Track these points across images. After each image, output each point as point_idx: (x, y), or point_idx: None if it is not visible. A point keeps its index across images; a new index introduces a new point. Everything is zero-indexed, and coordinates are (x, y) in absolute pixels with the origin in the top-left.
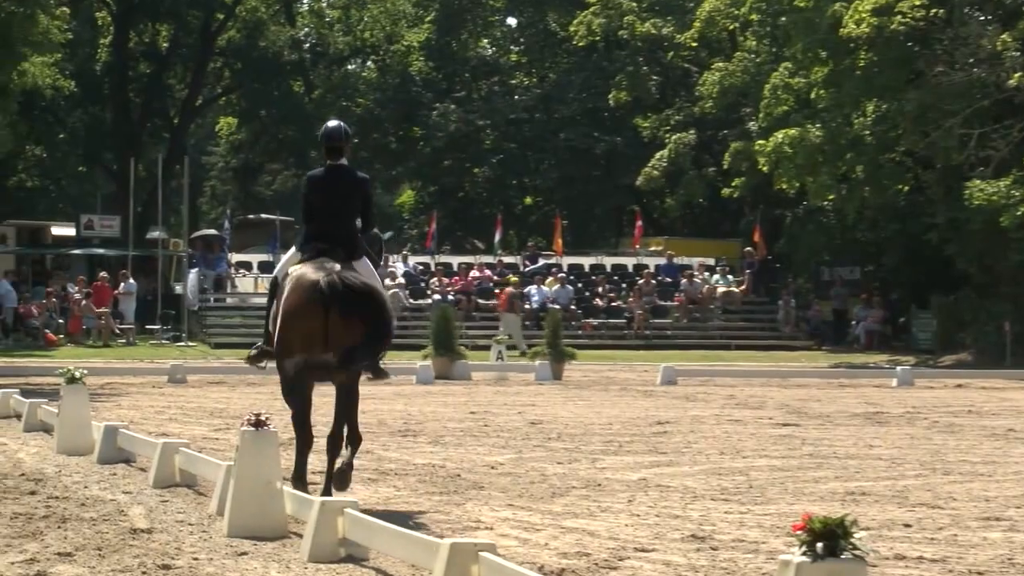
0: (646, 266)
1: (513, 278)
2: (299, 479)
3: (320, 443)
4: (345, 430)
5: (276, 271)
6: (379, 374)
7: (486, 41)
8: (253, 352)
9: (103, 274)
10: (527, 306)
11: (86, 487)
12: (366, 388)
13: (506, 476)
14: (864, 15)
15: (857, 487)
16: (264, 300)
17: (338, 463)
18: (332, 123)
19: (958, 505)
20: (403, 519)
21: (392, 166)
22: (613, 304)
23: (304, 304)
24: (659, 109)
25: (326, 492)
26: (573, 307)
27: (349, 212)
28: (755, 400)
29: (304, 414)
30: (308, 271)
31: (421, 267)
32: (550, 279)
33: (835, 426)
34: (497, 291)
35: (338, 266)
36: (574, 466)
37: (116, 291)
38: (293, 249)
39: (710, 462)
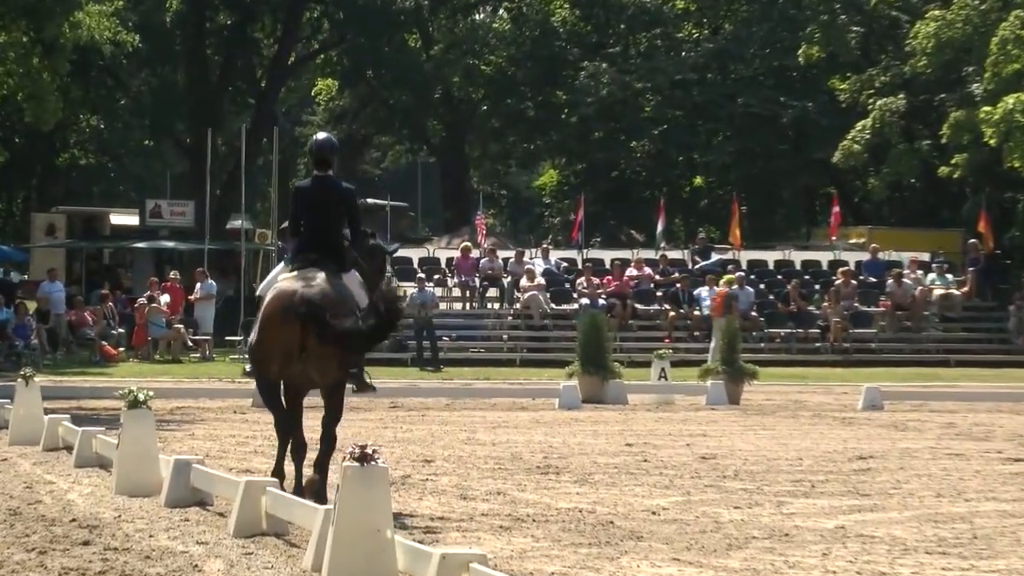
0: (844, 263)
1: (729, 276)
2: (276, 473)
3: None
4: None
5: (261, 287)
6: (363, 387)
7: None
8: (248, 367)
9: (174, 273)
10: (696, 312)
11: (152, 536)
12: (498, 415)
13: (670, 523)
14: None
15: None
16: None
17: (308, 472)
18: (322, 136)
19: None
20: None
21: (530, 139)
22: (804, 310)
23: (278, 315)
24: (860, 68)
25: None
26: (754, 314)
27: (337, 224)
28: (980, 430)
29: (286, 421)
30: (287, 283)
31: (565, 264)
32: (725, 279)
33: None
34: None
35: (321, 276)
36: (755, 511)
37: (191, 295)
38: (281, 264)
39: (924, 506)
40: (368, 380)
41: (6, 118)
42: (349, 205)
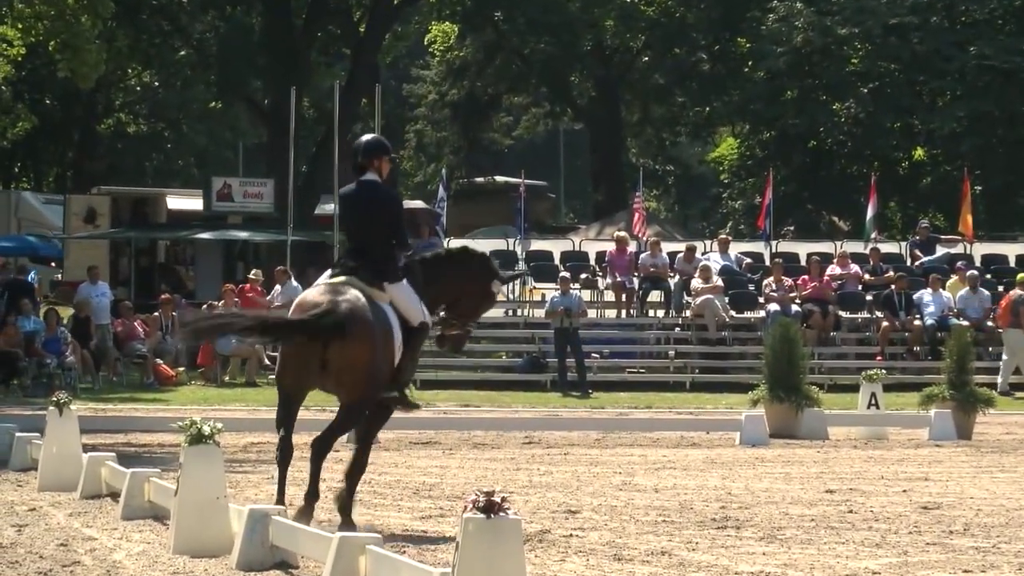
0: None
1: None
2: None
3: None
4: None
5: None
6: (407, 406)
7: None
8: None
9: (254, 273)
10: (917, 321)
11: None
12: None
13: None
14: None
15: None
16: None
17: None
18: (367, 137)
19: None
20: None
21: (703, 100)
22: None
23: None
24: None
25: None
26: (990, 323)
27: (380, 231)
28: None
29: (286, 448)
30: (313, 293)
31: (749, 260)
32: (954, 279)
33: None
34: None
35: (353, 292)
36: None
37: (271, 299)
38: (328, 272)
39: None
40: (412, 399)
41: (34, 73)
42: (389, 213)
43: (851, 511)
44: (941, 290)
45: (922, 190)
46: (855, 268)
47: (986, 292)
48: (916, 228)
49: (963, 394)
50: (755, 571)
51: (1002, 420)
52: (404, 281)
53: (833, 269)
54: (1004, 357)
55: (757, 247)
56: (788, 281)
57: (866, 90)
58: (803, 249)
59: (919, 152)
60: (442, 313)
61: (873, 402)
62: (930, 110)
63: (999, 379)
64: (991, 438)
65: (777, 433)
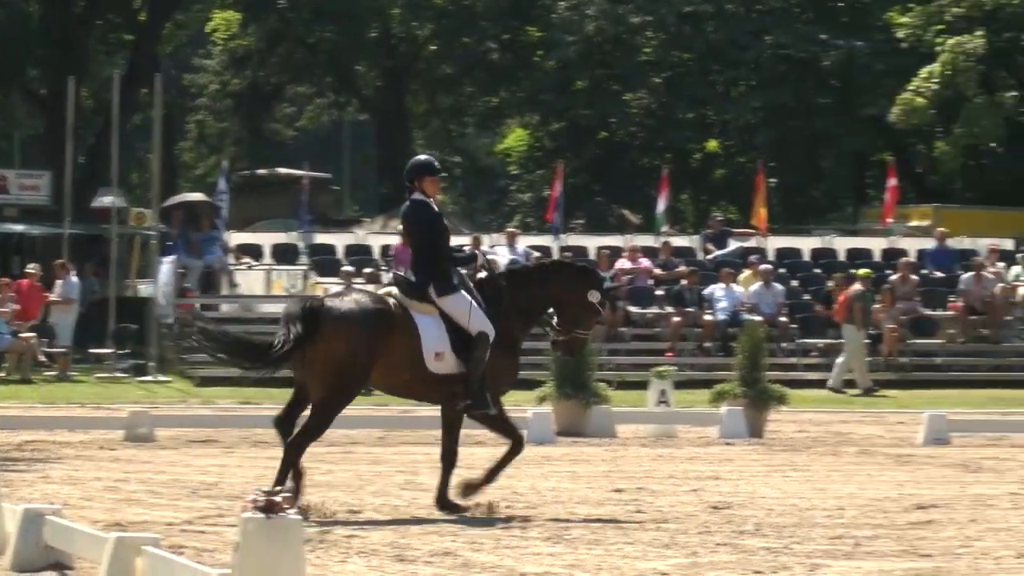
0: (903, 252)
1: (864, 271)
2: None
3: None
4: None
5: None
6: (480, 405)
7: None
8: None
9: (32, 267)
10: (708, 316)
11: None
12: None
13: None
14: None
15: None
16: (283, 306)
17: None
18: (418, 157)
19: None
20: None
21: (492, 90)
22: None
23: None
24: None
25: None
26: (783, 319)
27: (426, 247)
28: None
29: (284, 430)
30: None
31: (537, 254)
32: (747, 273)
33: None
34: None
35: (356, 296)
36: None
37: (48, 294)
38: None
39: (1002, 570)
40: (488, 400)
41: None
42: (431, 231)
43: (639, 511)
44: (733, 285)
45: (715, 182)
46: (646, 262)
47: (779, 287)
48: (708, 221)
49: (755, 391)
50: (540, 572)
51: (795, 418)
52: (460, 293)
53: (623, 263)
54: (841, 358)
55: (546, 241)
56: None
57: (659, 80)
58: (593, 243)
59: (713, 144)
60: (554, 322)
61: (663, 399)
62: (724, 101)
63: (832, 375)
64: (784, 436)
65: (565, 431)
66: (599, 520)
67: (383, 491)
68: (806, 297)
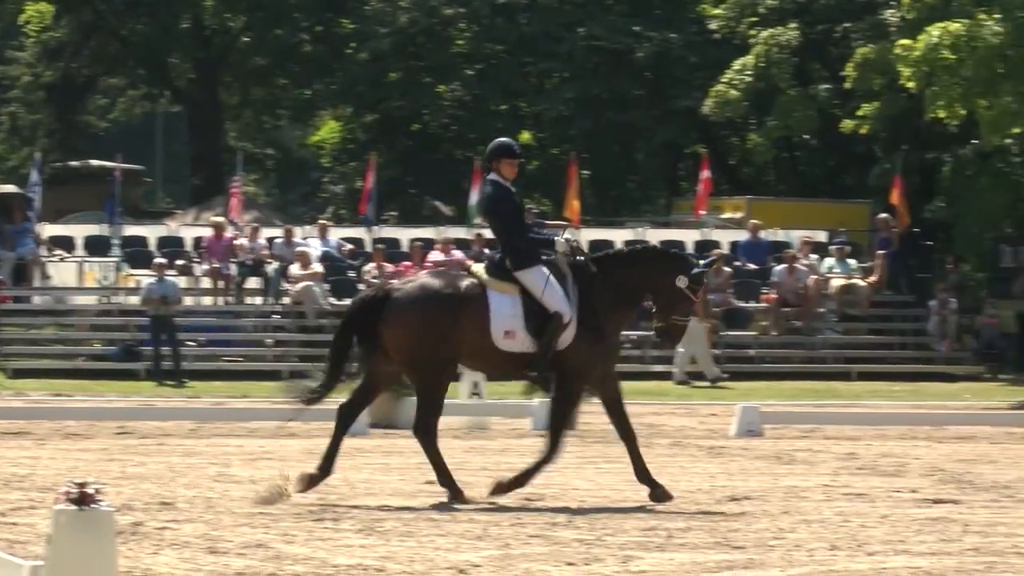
0: (716, 244)
1: (704, 262)
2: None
3: None
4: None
5: None
6: (543, 383)
7: None
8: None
9: None
10: None
11: None
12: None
13: None
14: None
15: None
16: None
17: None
18: (497, 141)
19: None
20: None
21: (307, 82)
22: None
23: None
24: None
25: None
26: None
27: (501, 226)
28: (890, 462)
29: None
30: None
31: (350, 246)
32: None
33: (1018, 504)
34: None
35: (421, 281)
36: (595, 568)
37: None
38: None
39: (815, 562)
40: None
41: None
42: (504, 210)
43: (451, 502)
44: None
45: (528, 174)
46: (458, 253)
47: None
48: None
49: None
50: (353, 564)
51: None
52: (539, 268)
53: (436, 254)
54: (682, 350)
55: (359, 232)
56: (390, 267)
57: (472, 72)
58: (406, 235)
59: (526, 136)
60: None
61: (476, 391)
62: (538, 93)
63: (675, 368)
64: (597, 428)
65: (377, 423)
66: (412, 512)
67: (195, 483)
68: None
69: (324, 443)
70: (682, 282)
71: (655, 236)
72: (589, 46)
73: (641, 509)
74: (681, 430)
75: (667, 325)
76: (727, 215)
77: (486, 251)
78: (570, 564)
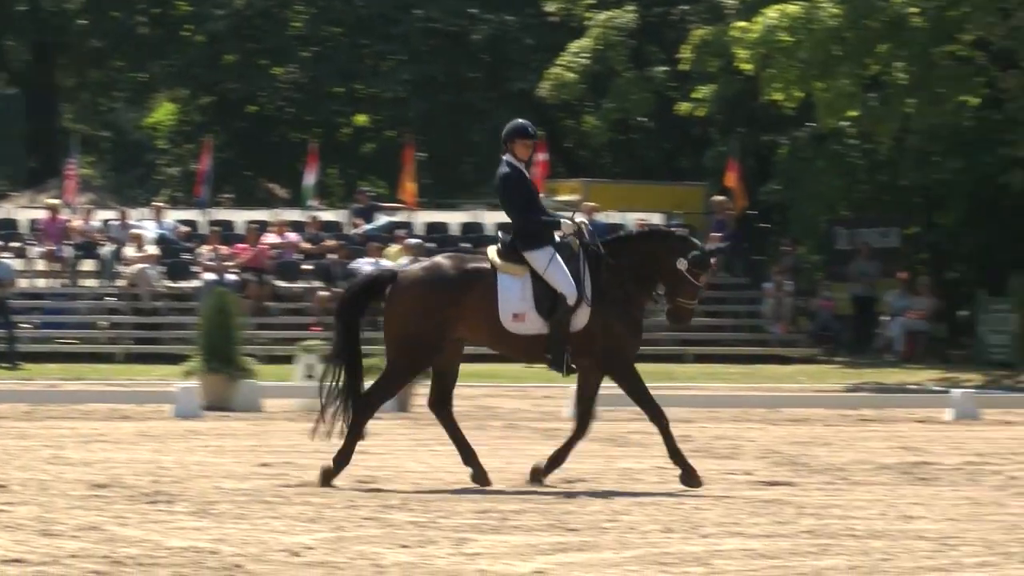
0: None
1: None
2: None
3: None
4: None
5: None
6: (556, 366)
7: None
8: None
9: None
10: None
11: None
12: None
13: (316, 568)
14: None
15: None
16: None
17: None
18: (512, 122)
19: None
20: None
21: (142, 65)
22: None
23: None
24: None
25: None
26: None
27: (511, 207)
28: (725, 444)
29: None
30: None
31: (186, 228)
32: (395, 247)
33: (852, 485)
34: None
35: (430, 261)
36: (428, 551)
37: None
38: None
39: (649, 544)
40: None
41: None
42: (513, 190)
43: (286, 485)
44: (381, 259)
45: (364, 156)
46: (293, 236)
47: (426, 260)
48: (356, 195)
49: None
50: (186, 546)
51: None
52: (547, 249)
53: (270, 237)
54: None
55: (194, 215)
56: (225, 250)
57: (308, 54)
58: (241, 217)
59: (362, 118)
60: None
61: (310, 373)
62: (374, 75)
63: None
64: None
65: (212, 405)
66: (246, 494)
67: (29, 465)
68: None
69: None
70: (682, 264)
71: (491, 218)
72: (426, 28)
73: (478, 491)
74: (515, 412)
75: (674, 307)
76: (563, 197)
77: (500, 233)
78: (404, 547)
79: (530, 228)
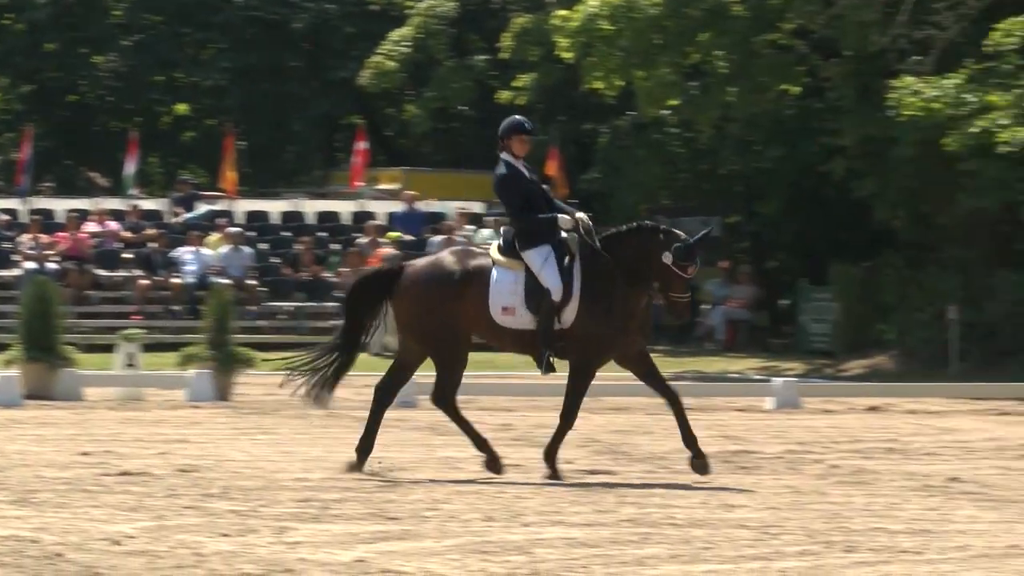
0: (371, 215)
1: (395, 233)
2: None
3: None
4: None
5: None
6: (539, 362)
7: None
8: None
9: None
10: (176, 279)
11: None
12: None
13: (138, 556)
14: None
15: (707, 573)
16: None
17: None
18: (508, 119)
19: None
20: None
21: None
22: (319, 277)
23: None
24: None
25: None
26: (252, 281)
27: (506, 205)
28: (546, 433)
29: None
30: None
31: (6, 217)
32: (215, 236)
33: (673, 474)
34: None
35: (435, 256)
36: (248, 540)
37: None
38: None
39: (470, 533)
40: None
41: None
42: (504, 189)
43: (106, 474)
44: (202, 247)
45: (185, 145)
46: (113, 225)
47: (248, 249)
48: (177, 184)
49: (223, 354)
50: (7, 535)
51: (264, 382)
52: (545, 247)
53: (91, 226)
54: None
55: (14, 204)
56: (45, 238)
57: (129, 43)
58: (61, 206)
59: (182, 107)
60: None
61: (130, 362)
62: (194, 63)
63: (371, 339)
64: (251, 399)
65: (32, 394)
66: (66, 483)
67: None
68: (275, 260)
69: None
70: (667, 258)
71: (312, 207)
72: (246, 16)
73: (297, 481)
74: (336, 401)
75: (667, 302)
76: (383, 186)
77: (503, 228)
78: (224, 535)
79: (528, 227)
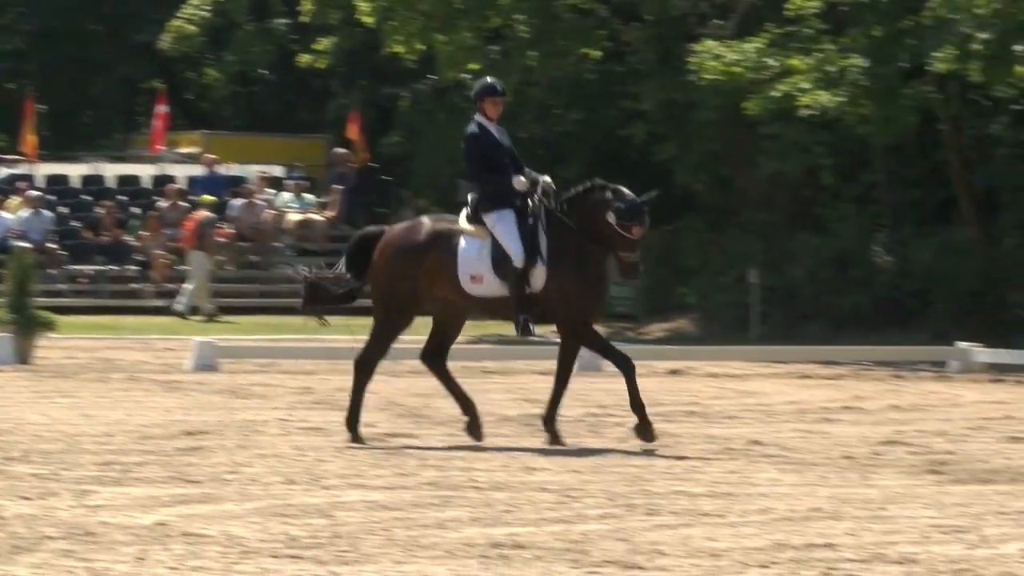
0: (172, 179)
1: (207, 197)
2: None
3: None
4: None
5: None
6: (516, 327)
7: None
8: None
9: None
10: None
11: None
12: None
13: None
14: None
15: (509, 535)
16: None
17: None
18: (480, 80)
19: (667, 564)
20: None
21: None
22: (119, 240)
23: None
24: None
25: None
26: (52, 245)
27: (475, 168)
28: (346, 396)
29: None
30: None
31: None
32: (15, 199)
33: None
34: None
35: (406, 223)
36: (49, 503)
37: None
38: None
39: (270, 496)
40: (531, 327)
41: None
42: (467, 153)
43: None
44: (2, 212)
45: None
46: None
47: (49, 213)
48: None
49: (23, 318)
50: None
51: (65, 345)
52: (505, 211)
53: None
54: (189, 282)
55: None
56: None
57: None
58: None
59: None
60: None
61: None
62: None
63: (181, 300)
64: (52, 363)
65: None
66: None
67: None
68: (75, 223)
69: None
70: (611, 218)
71: (112, 171)
72: None
73: (97, 444)
74: (136, 364)
75: (618, 262)
76: (184, 150)
77: (469, 196)
78: (25, 499)
79: (489, 190)
